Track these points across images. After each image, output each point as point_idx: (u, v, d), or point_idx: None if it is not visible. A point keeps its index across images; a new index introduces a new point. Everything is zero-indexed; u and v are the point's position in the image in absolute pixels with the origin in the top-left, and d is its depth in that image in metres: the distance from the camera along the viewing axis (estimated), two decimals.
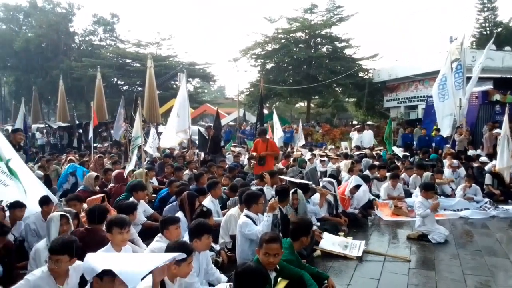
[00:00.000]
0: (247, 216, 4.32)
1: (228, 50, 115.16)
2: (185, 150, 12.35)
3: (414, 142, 14.48)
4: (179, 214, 4.60)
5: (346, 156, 10.88)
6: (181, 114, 10.58)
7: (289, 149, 14.58)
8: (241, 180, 7.01)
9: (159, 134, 13.14)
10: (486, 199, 7.46)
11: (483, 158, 9.55)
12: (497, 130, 11.84)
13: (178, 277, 2.93)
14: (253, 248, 3.99)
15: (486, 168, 8.83)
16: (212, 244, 4.19)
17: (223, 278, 3.66)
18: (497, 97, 14.71)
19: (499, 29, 30.24)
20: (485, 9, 33.38)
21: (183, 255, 2.64)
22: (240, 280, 2.66)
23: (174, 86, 35.27)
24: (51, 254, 2.93)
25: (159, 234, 3.77)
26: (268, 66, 31.07)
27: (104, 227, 3.63)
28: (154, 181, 7.94)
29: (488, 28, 32.65)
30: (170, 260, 2.46)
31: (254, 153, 8.34)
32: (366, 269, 4.58)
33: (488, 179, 8.27)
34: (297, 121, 18.68)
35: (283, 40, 29.40)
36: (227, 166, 9.35)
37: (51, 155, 11.57)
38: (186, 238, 3.65)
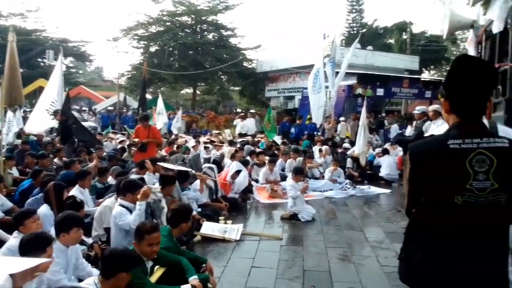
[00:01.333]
0: (122, 205, 4.14)
1: (107, 28, 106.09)
2: (52, 135, 11.10)
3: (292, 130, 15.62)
4: (44, 208, 4.18)
5: (230, 143, 11.19)
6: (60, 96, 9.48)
7: (173, 136, 14.33)
8: (119, 168, 6.66)
9: (24, 117, 11.57)
10: (347, 180, 8.53)
11: (346, 145, 10.84)
12: (341, 118, 13.52)
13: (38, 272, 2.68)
14: (128, 240, 3.86)
15: (348, 153, 10.06)
16: (84, 237, 3.93)
17: (95, 272, 3.46)
18: (359, 91, 16.69)
19: (364, 30, 34.27)
20: (354, 10, 37.46)
21: (50, 260, 2.44)
22: (108, 263, 2.61)
23: (42, 64, 31.36)
24: None
25: (16, 231, 3.37)
26: (152, 49, 29.81)
27: None
28: (15, 171, 7.01)
29: (355, 28, 36.73)
30: (33, 267, 2.22)
31: (136, 140, 8.00)
32: (243, 250, 4.84)
33: (349, 162, 9.44)
34: (182, 108, 18.42)
35: (168, 23, 28.51)
36: (104, 154, 8.76)
37: None
38: (53, 232, 3.35)
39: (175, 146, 10.72)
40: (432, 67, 35.66)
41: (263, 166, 8.76)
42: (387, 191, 8.43)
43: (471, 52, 6.24)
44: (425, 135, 7.17)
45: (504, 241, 1.62)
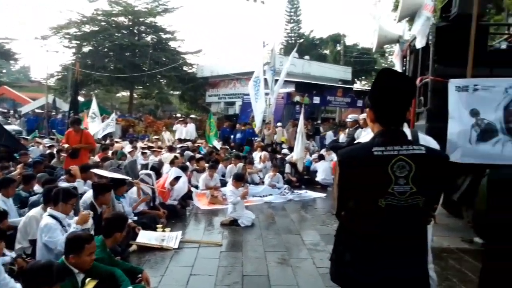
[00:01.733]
0: (52, 216, 3.85)
1: (35, 25, 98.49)
2: None
3: (232, 136, 15.69)
4: None
5: (170, 149, 10.96)
6: None
7: (107, 141, 13.70)
8: (46, 175, 6.20)
9: None
10: (285, 185, 8.73)
11: (285, 151, 11.12)
12: (279, 123, 13.81)
13: None
14: (56, 253, 3.60)
15: (287, 158, 10.32)
16: (6, 251, 3.61)
17: (18, 286, 3.19)
18: (297, 98, 17.26)
19: (301, 40, 35.54)
20: (291, 20, 38.74)
21: None
22: (29, 278, 2.49)
23: None
24: None
25: None
26: (86, 49, 28.35)
27: None
28: None
29: (293, 38, 37.99)
30: None
31: (66, 145, 7.52)
32: (181, 258, 4.75)
33: (287, 168, 9.68)
34: (118, 111, 17.68)
35: (103, 23, 27.33)
36: (30, 160, 8.12)
37: None
38: None
39: (110, 152, 10.25)
40: (363, 77, 37.96)
41: (203, 172, 8.68)
42: (323, 195, 8.75)
43: (397, 65, 6.75)
44: (356, 141, 7.61)
45: (423, 242, 1.76)
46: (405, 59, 6.40)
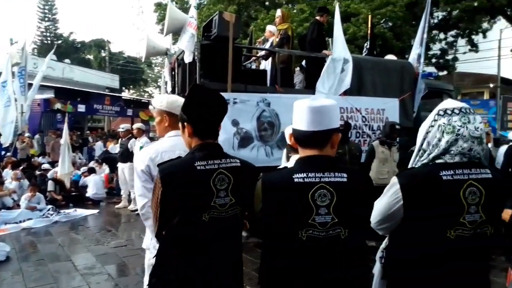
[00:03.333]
0: None
1: None
2: None
3: None
4: None
5: None
6: None
7: None
8: None
9: None
10: (49, 206, 7.63)
11: (45, 165, 9.72)
12: (27, 134, 11.83)
13: None
14: None
15: (49, 175, 9.05)
16: None
17: None
18: (58, 106, 15.48)
19: (60, 42, 32.13)
20: (46, 19, 34.50)
21: None
22: None
23: None
24: None
25: None
26: None
27: None
28: None
29: (49, 38, 33.89)
30: None
31: None
32: None
33: (50, 185, 8.49)
34: None
35: None
36: None
37: None
38: None
39: None
40: (131, 86, 37.67)
41: None
42: (95, 211, 8.12)
43: (167, 77, 7.03)
44: (133, 151, 7.47)
45: (240, 249, 1.88)
46: (173, 72, 6.70)
